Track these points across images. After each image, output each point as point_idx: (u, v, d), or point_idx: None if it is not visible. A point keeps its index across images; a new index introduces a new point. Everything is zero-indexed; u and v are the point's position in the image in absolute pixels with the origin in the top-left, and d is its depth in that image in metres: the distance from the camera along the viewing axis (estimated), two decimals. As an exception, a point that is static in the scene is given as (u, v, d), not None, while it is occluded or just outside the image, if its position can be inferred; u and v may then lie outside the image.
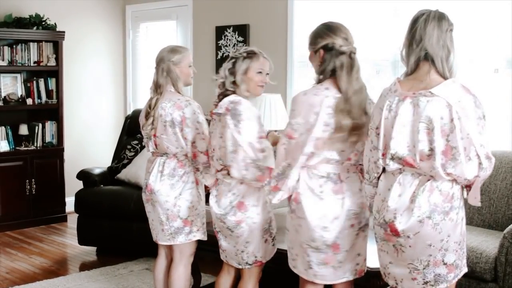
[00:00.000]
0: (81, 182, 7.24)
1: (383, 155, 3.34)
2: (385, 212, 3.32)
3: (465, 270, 3.43)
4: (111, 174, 7.31)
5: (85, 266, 6.53)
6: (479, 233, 5.06)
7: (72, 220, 7.94)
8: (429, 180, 3.25)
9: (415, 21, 3.35)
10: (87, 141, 9.14)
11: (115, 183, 7.16)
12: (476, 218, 5.35)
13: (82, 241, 6.99)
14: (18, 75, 8.27)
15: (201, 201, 4.56)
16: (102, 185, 7.16)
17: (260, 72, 4.14)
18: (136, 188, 6.57)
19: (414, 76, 3.34)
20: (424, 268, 3.30)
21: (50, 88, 8.40)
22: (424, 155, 3.22)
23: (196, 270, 4.88)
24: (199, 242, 4.57)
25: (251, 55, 4.11)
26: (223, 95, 4.10)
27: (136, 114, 7.20)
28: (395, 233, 3.28)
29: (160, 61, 4.56)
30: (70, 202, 7.94)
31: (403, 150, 3.27)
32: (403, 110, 3.26)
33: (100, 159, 8.81)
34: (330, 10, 6.96)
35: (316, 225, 3.58)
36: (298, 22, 7.10)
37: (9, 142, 8.11)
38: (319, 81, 3.68)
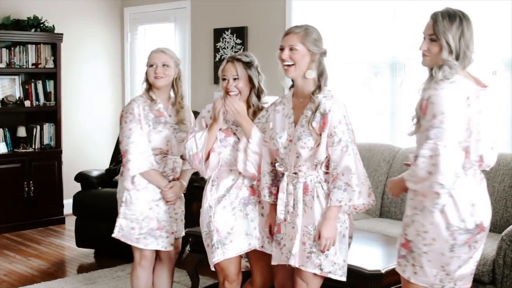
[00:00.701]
0: (79, 184, 7.24)
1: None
2: (476, 214, 3.47)
3: None
4: (109, 176, 7.30)
5: (83, 269, 6.52)
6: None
7: (70, 222, 7.93)
8: None
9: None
10: (85, 143, 9.14)
11: (113, 185, 7.13)
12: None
13: (80, 243, 6.98)
14: (16, 77, 8.27)
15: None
16: (100, 187, 7.16)
17: (224, 79, 4.20)
18: (134, 190, 6.56)
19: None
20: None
21: (48, 90, 8.40)
22: None
23: (194, 272, 4.88)
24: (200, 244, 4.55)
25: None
26: None
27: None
28: (480, 229, 3.47)
29: None
30: (68, 204, 7.93)
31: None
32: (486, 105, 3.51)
33: (98, 161, 8.80)
34: (328, 12, 6.96)
35: None
36: (297, 24, 7.10)
37: (7, 144, 8.11)
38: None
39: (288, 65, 3.85)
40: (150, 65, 4.55)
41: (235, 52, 7.56)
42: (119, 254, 6.44)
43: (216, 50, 7.94)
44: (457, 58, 3.46)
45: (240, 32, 7.70)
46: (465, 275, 3.53)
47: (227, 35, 7.83)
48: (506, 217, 5.22)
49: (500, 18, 5.75)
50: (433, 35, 3.50)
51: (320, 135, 3.76)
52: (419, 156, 3.33)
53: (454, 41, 3.45)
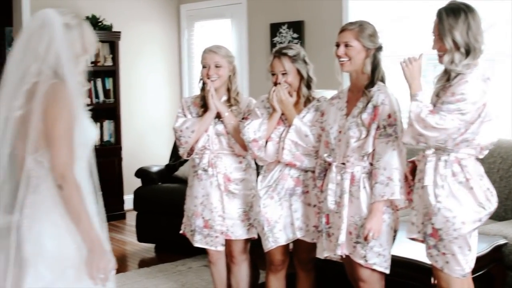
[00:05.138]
0: (139, 180, 7.32)
1: None
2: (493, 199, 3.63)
3: None
4: (168, 171, 7.36)
5: (144, 263, 6.60)
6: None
7: (131, 218, 8.03)
8: None
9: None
10: (144, 140, 9.23)
11: (173, 181, 7.22)
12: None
13: (141, 238, 7.06)
14: (76, 76, 8.38)
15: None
16: (160, 183, 7.23)
17: (273, 74, 4.29)
18: (194, 186, 6.61)
19: None
20: None
21: (107, 88, 8.52)
22: None
23: (254, 266, 4.90)
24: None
25: None
26: None
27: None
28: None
29: None
30: (128, 200, 8.03)
31: None
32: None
33: (157, 157, 8.88)
34: (386, 4, 6.90)
35: None
36: (354, 18, 7.05)
37: (68, 142, 8.22)
38: None
39: (344, 61, 3.90)
40: (203, 66, 4.57)
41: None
42: (180, 249, 6.49)
43: (273, 45, 7.90)
44: (467, 52, 3.49)
45: (297, 27, 7.68)
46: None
47: (284, 29, 7.81)
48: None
49: (501, 16, 5.77)
50: (440, 34, 3.56)
51: (370, 126, 3.81)
52: None
53: (461, 36, 3.49)
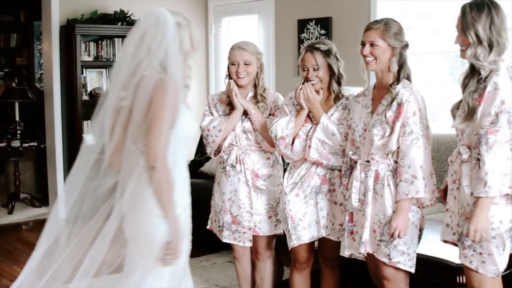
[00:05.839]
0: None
1: None
2: None
3: None
4: (194, 167, 7.35)
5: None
6: None
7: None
8: None
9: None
10: (171, 135, 9.23)
11: (199, 176, 7.20)
12: None
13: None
14: (104, 70, 8.44)
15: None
16: (185, 178, 7.22)
17: (304, 69, 4.29)
18: (219, 182, 6.60)
19: None
20: None
21: (134, 83, 8.52)
22: None
23: (278, 263, 4.89)
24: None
25: None
26: None
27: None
28: None
29: None
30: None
31: None
32: None
33: (183, 152, 8.87)
34: (413, 2, 6.86)
35: None
36: (382, 15, 7.00)
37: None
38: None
39: (369, 60, 3.89)
40: (231, 64, 4.55)
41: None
42: (204, 245, 6.47)
43: (301, 41, 7.90)
44: (490, 47, 3.46)
45: (325, 23, 7.65)
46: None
47: (312, 26, 7.79)
48: None
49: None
50: (463, 27, 3.53)
51: (394, 124, 3.78)
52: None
53: (484, 30, 3.45)
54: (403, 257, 3.81)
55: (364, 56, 3.92)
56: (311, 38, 7.73)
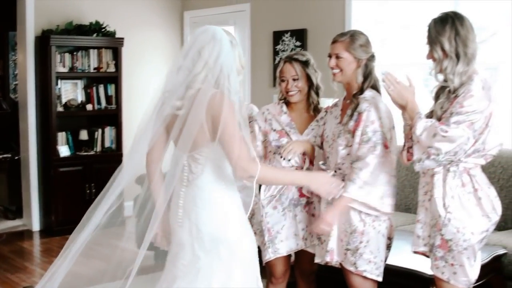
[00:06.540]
0: (139, 186, 7.28)
1: None
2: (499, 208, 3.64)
3: None
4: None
5: (143, 270, 6.54)
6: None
7: (131, 224, 7.99)
8: None
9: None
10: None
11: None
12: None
13: (140, 245, 7.02)
14: (79, 81, 8.39)
15: None
16: (160, 190, 7.19)
17: (283, 80, 4.30)
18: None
19: None
20: None
21: (109, 94, 8.51)
22: None
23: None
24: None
25: None
26: None
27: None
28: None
29: None
30: (128, 206, 7.99)
31: None
32: None
33: (158, 164, 8.84)
34: (389, 14, 6.90)
35: None
36: (356, 26, 7.03)
37: (69, 147, 8.23)
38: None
39: (335, 72, 3.95)
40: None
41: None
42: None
43: (276, 53, 7.92)
44: (457, 58, 3.53)
45: (300, 35, 7.67)
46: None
47: (287, 37, 7.81)
48: None
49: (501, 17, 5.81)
50: (429, 43, 3.62)
51: (354, 133, 3.82)
52: None
53: (449, 42, 3.53)
54: (370, 266, 3.81)
55: (331, 68, 3.97)
56: (287, 49, 7.75)
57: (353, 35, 3.94)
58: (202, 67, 3.27)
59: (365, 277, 3.85)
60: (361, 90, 3.91)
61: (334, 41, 3.98)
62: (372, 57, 3.96)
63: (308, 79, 4.27)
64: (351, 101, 3.91)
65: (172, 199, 3.53)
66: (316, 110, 4.34)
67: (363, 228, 3.82)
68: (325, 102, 4.65)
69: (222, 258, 3.31)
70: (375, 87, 3.96)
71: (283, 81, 4.28)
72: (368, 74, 3.93)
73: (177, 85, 3.35)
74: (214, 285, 3.33)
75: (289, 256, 4.33)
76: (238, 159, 3.18)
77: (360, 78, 3.91)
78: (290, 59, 4.29)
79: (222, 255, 3.30)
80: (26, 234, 8.03)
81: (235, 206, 3.40)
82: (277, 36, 7.95)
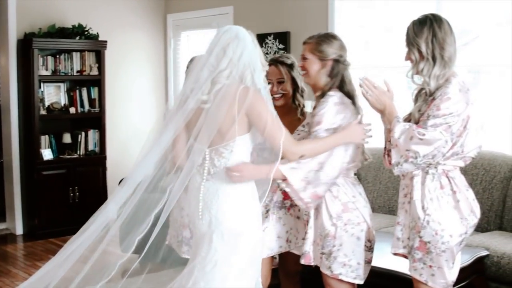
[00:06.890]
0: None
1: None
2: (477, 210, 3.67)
3: None
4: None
5: (130, 273, 6.54)
6: None
7: (114, 228, 7.96)
8: None
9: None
10: (129, 149, 9.17)
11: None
12: None
13: (124, 248, 7.00)
14: (62, 84, 8.37)
15: None
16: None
17: (269, 83, 4.16)
18: (178, 196, 6.58)
19: None
20: None
21: (92, 97, 8.49)
22: None
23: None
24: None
25: None
26: None
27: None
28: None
29: None
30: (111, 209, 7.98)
31: None
32: None
33: (142, 167, 8.83)
34: (371, 17, 6.92)
35: None
36: (339, 28, 7.06)
37: (52, 151, 8.20)
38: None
39: (303, 73, 3.99)
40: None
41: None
42: (164, 259, 6.45)
43: (259, 56, 7.92)
44: (434, 60, 3.55)
45: (283, 37, 7.69)
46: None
47: (270, 40, 7.83)
48: None
49: (502, 19, 5.84)
50: (407, 45, 3.65)
51: (310, 135, 3.82)
52: None
53: (426, 44, 3.55)
54: (345, 269, 3.82)
55: (300, 69, 4.03)
56: (270, 52, 7.77)
57: (321, 37, 3.94)
58: (227, 64, 3.46)
59: (341, 280, 3.85)
60: (322, 92, 3.88)
61: (303, 43, 4.01)
62: (340, 60, 3.90)
63: (293, 81, 4.28)
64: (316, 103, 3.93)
65: (190, 193, 3.63)
66: (303, 113, 4.34)
67: (334, 232, 3.81)
68: (308, 104, 4.65)
69: (240, 252, 3.42)
70: (348, 92, 3.89)
71: (268, 83, 4.26)
72: (334, 76, 3.88)
73: (201, 81, 3.50)
74: (230, 278, 3.42)
75: (272, 259, 4.33)
76: (285, 145, 3.41)
77: (324, 80, 3.88)
78: (275, 62, 4.30)
79: (240, 248, 3.41)
80: (10, 238, 7.99)
81: (255, 200, 3.54)
82: (261, 39, 7.94)
